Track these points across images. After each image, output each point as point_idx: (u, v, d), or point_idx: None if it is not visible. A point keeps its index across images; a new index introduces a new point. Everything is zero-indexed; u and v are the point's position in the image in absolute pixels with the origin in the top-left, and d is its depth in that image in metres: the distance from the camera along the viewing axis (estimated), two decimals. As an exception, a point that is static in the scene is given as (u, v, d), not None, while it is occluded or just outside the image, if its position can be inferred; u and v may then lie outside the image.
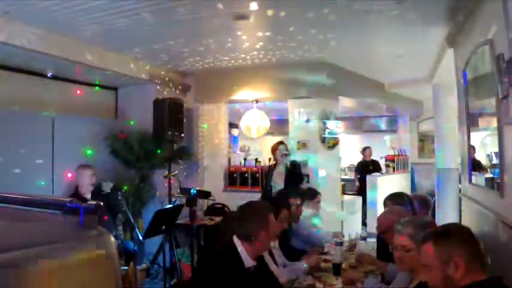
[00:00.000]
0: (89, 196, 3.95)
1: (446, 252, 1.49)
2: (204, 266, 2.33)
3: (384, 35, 4.34)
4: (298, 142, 5.70)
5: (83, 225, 0.83)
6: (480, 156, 4.23)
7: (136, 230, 3.81)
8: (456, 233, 1.57)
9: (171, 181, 5.10)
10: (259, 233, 2.14)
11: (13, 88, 4.28)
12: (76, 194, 3.92)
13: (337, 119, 5.96)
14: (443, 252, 1.49)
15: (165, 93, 5.60)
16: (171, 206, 4.57)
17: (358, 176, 7.89)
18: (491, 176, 3.09)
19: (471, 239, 1.54)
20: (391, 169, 7.82)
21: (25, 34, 3.65)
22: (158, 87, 5.54)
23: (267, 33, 4.25)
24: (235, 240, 2.19)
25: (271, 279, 2.39)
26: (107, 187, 4.01)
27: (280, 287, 2.47)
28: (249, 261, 2.15)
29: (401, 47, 4.74)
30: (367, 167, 7.70)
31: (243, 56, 5.11)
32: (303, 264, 2.77)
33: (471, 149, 3.62)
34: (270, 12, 3.61)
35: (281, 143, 5.23)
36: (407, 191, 6.90)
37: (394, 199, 3.10)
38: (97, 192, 3.98)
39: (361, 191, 7.33)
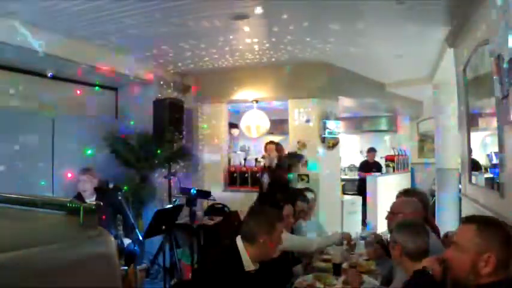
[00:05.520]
0: (89, 200, 3.91)
1: (485, 243, 1.44)
2: (204, 266, 2.30)
3: (384, 35, 4.34)
4: (298, 142, 5.70)
5: (83, 225, 0.83)
6: (480, 156, 4.23)
7: (136, 230, 3.81)
8: (501, 228, 1.51)
9: (171, 181, 5.10)
10: (262, 237, 2.09)
11: (13, 88, 4.28)
12: (78, 197, 3.89)
13: (337, 119, 5.97)
14: (481, 242, 1.45)
15: (165, 93, 5.60)
16: (171, 206, 4.57)
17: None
18: (491, 176, 3.09)
19: (509, 240, 1.48)
20: (391, 169, 7.82)
21: (25, 34, 3.65)
22: (158, 87, 5.54)
23: (267, 34, 4.25)
24: (238, 241, 2.15)
25: (273, 284, 2.36)
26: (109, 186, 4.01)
27: None
28: (249, 265, 2.10)
29: (401, 47, 4.74)
30: (370, 168, 7.70)
31: (243, 56, 5.11)
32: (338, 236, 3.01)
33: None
34: (269, 13, 3.62)
35: (271, 142, 5.28)
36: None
37: (408, 194, 3.07)
38: (104, 190, 3.96)
39: (361, 191, 7.33)
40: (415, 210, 2.45)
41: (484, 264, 1.42)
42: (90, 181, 3.93)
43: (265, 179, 5.00)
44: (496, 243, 1.44)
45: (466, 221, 1.58)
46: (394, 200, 2.73)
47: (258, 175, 5.68)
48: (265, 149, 5.32)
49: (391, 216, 2.50)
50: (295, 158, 4.96)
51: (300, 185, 5.18)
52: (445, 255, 1.58)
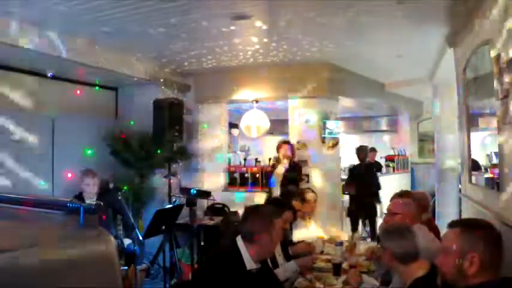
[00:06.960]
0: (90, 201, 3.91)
1: (468, 244, 1.49)
2: (205, 266, 2.30)
3: (384, 35, 4.34)
4: (298, 142, 5.70)
5: (83, 225, 0.83)
6: (480, 156, 4.23)
7: (136, 230, 3.81)
8: (485, 230, 1.55)
9: (171, 181, 5.10)
10: (261, 235, 2.07)
11: (13, 88, 4.28)
12: (79, 196, 3.88)
13: (337, 119, 5.96)
14: (465, 243, 1.50)
15: (165, 93, 5.59)
16: (171, 206, 4.57)
17: None
18: (491, 176, 3.09)
19: (497, 241, 1.52)
20: (391, 169, 7.82)
21: (25, 34, 3.64)
22: (158, 87, 5.54)
23: (267, 33, 4.24)
24: (239, 241, 2.14)
25: (274, 283, 2.36)
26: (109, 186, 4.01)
27: None
28: (251, 264, 2.09)
29: (401, 47, 4.74)
30: (371, 169, 7.67)
31: (243, 56, 5.10)
32: (294, 265, 2.72)
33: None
34: (269, 13, 3.62)
35: (287, 142, 5.25)
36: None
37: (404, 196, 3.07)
38: (104, 190, 3.96)
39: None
40: (410, 211, 2.45)
41: (468, 265, 1.47)
42: (95, 184, 3.93)
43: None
44: (480, 244, 1.48)
45: (451, 225, 1.64)
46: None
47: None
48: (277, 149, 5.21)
49: (388, 218, 2.51)
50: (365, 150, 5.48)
51: (301, 185, 5.18)
52: (436, 261, 1.64)
